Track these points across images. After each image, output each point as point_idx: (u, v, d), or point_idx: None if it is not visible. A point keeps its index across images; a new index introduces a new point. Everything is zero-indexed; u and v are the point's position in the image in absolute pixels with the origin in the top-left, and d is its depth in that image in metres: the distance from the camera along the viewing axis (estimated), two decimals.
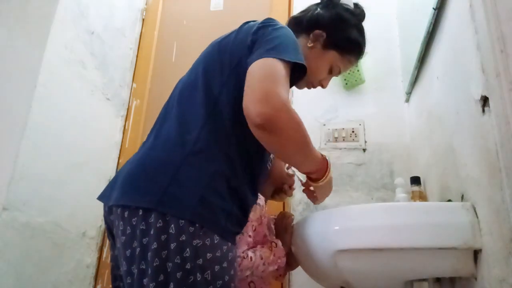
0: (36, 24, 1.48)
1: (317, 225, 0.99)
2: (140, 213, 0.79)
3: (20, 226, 1.32)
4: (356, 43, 1.08)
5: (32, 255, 1.37)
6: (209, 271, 0.77)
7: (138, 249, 0.77)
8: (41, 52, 1.44)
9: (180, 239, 0.76)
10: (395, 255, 0.85)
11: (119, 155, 1.92)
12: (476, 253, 0.83)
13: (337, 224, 0.93)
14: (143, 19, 2.21)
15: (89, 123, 1.71)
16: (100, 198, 0.94)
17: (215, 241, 0.79)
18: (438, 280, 0.96)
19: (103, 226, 1.77)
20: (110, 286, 0.97)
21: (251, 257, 1.00)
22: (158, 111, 1.03)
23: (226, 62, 0.91)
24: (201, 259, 0.77)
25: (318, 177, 0.96)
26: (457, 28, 0.99)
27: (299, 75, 0.90)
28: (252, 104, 0.77)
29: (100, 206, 0.90)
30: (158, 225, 0.77)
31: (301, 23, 1.07)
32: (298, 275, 1.50)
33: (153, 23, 2.19)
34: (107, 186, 0.94)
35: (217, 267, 0.79)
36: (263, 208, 1.13)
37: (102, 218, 1.71)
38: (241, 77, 0.85)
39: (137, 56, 2.12)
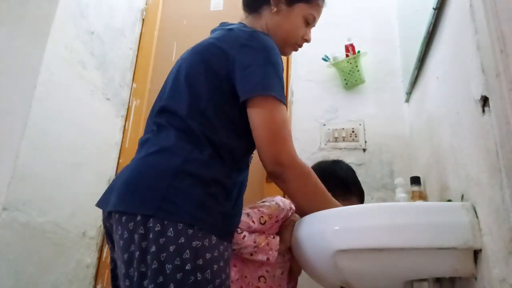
0: (36, 24, 1.49)
1: (317, 225, 0.99)
2: (138, 218, 0.80)
3: (20, 226, 1.33)
4: None
5: (32, 255, 1.37)
6: (208, 271, 0.80)
7: (137, 253, 0.79)
8: (41, 52, 1.44)
9: (179, 241, 0.78)
10: (395, 255, 0.85)
11: (119, 155, 1.92)
12: (476, 253, 0.83)
13: (337, 224, 0.93)
14: (143, 19, 2.20)
15: (89, 123, 1.71)
16: (99, 204, 0.95)
17: (213, 242, 0.82)
18: (438, 280, 0.96)
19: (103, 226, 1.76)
20: (110, 286, 0.97)
21: (244, 236, 1.02)
22: None
23: (210, 75, 0.93)
24: (201, 260, 0.79)
25: None
26: (457, 28, 0.99)
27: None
28: (266, 164, 0.92)
29: None
30: (156, 229, 0.78)
31: None
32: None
33: (153, 23, 2.19)
34: (105, 192, 0.95)
35: (215, 266, 0.81)
36: (283, 211, 1.11)
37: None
38: (226, 90, 0.92)
39: (137, 56, 2.12)
